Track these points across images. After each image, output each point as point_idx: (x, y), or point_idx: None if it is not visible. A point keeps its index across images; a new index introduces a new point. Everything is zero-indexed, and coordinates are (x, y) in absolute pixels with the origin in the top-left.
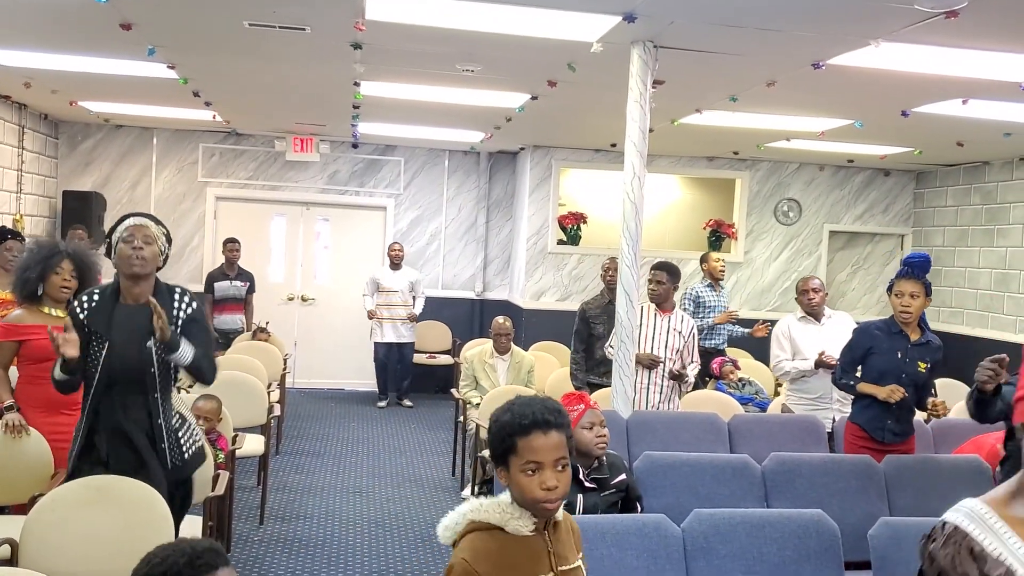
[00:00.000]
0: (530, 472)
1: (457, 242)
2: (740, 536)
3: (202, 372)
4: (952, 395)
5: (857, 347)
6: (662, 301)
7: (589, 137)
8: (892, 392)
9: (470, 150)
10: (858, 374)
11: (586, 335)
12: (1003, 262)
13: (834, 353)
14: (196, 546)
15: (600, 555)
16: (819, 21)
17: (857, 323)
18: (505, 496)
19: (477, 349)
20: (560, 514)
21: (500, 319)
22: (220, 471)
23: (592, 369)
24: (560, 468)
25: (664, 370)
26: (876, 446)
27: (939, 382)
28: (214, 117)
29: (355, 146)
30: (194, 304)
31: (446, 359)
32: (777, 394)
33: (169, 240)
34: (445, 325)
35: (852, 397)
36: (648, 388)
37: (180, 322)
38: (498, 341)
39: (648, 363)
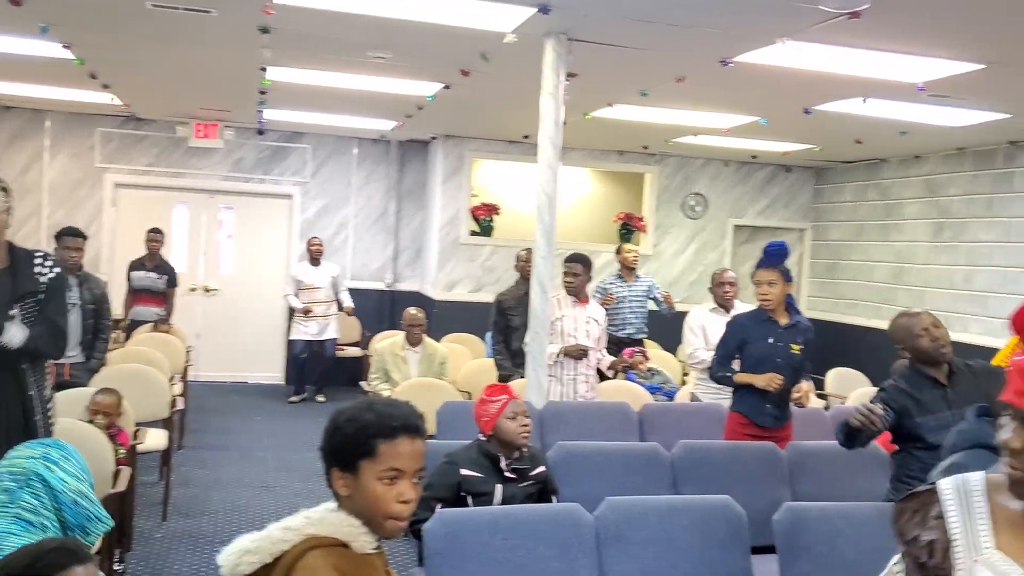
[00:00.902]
0: (388, 481)
1: (366, 232)
2: (651, 523)
3: (39, 350)
4: (848, 384)
5: (731, 340)
6: (578, 292)
7: (502, 128)
8: (770, 380)
9: (380, 138)
10: (736, 366)
11: (503, 326)
12: (898, 256)
13: None
14: (43, 546)
15: (514, 545)
16: (728, 19)
17: None
18: (331, 505)
19: (388, 341)
20: None
21: (412, 310)
22: (121, 467)
23: (514, 359)
24: (416, 480)
25: (591, 360)
26: (757, 431)
27: (836, 371)
28: (112, 100)
29: (261, 132)
30: (55, 270)
31: (355, 351)
32: (684, 383)
33: (5, 191)
34: (354, 317)
35: None
36: (576, 380)
37: (43, 288)
38: (410, 333)
39: (577, 354)
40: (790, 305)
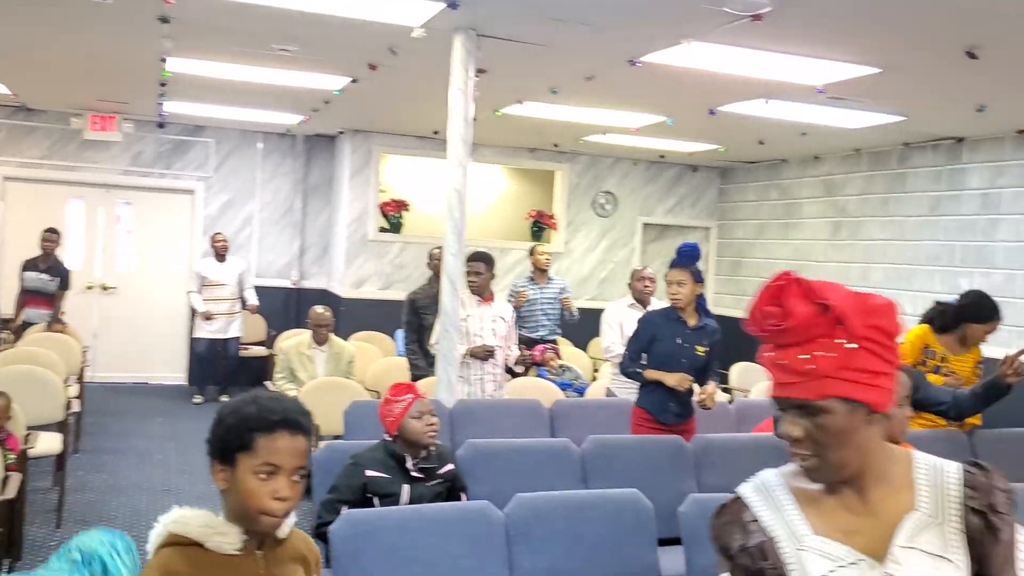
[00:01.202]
0: (263, 476)
1: (272, 228)
2: (560, 518)
3: None
4: (752, 378)
5: (642, 336)
6: (482, 291)
7: (412, 123)
8: (681, 380)
9: (286, 132)
10: (644, 361)
11: (417, 325)
12: (797, 253)
13: None
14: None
15: (424, 544)
16: (635, 19)
17: None
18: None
19: (294, 340)
20: (285, 531)
21: (319, 308)
22: (10, 473)
23: (428, 358)
24: (297, 478)
25: (499, 359)
26: (660, 427)
27: (739, 366)
28: (0, 89)
29: (161, 126)
30: None
31: (260, 350)
32: (594, 379)
33: None
34: (259, 315)
35: None
36: (483, 379)
37: None
38: (317, 331)
39: (483, 355)
40: (700, 306)
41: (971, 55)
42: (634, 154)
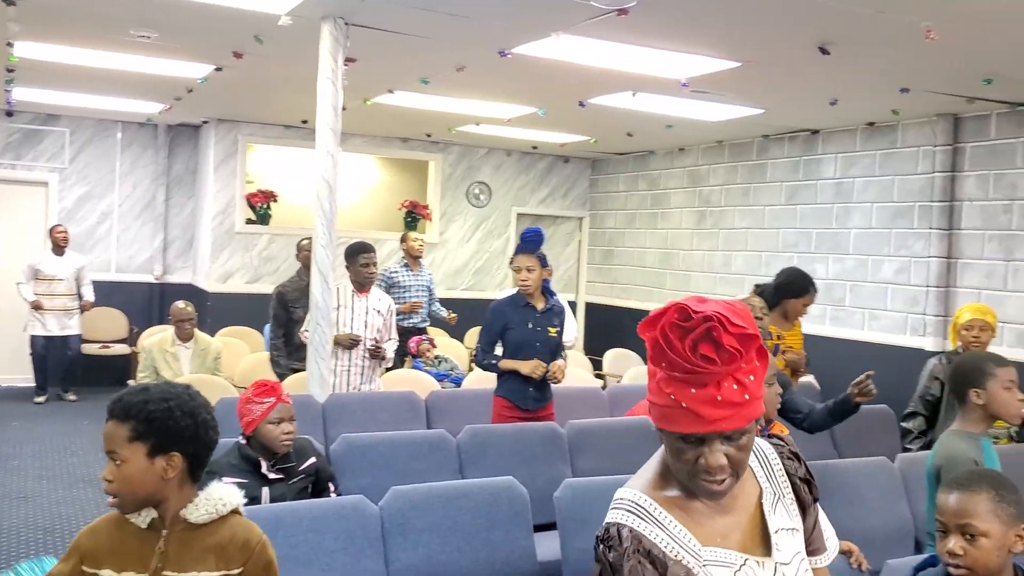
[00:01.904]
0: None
1: (133, 221)
2: (436, 509)
3: None
4: (623, 364)
5: (493, 326)
6: (371, 283)
7: (279, 112)
8: (535, 368)
9: (147, 122)
10: (499, 351)
11: (285, 319)
12: (666, 242)
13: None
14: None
15: (297, 541)
16: (505, 10)
17: (566, 302)
18: None
19: (157, 337)
20: (198, 517)
21: (180, 304)
22: None
23: (293, 354)
24: (117, 462)
25: (363, 350)
26: (521, 413)
27: (613, 352)
28: None
29: (10, 114)
30: None
31: (122, 348)
32: (471, 369)
33: None
34: (120, 312)
35: None
36: (349, 370)
37: None
38: (179, 328)
39: (348, 343)
40: (546, 289)
41: (823, 51)
42: (507, 145)
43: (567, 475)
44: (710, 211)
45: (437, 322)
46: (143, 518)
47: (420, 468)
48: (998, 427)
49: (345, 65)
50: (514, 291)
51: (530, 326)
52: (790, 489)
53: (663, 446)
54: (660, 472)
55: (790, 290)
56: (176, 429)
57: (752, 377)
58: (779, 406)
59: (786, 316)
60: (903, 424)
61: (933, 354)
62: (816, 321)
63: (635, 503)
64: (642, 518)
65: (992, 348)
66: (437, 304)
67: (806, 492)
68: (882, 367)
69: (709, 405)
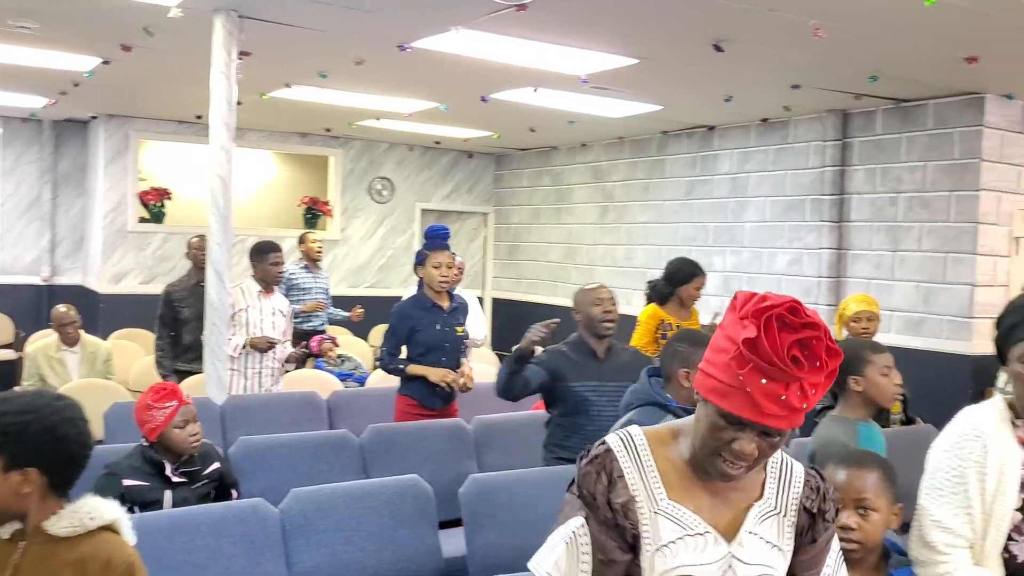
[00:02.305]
0: None
1: (16, 221)
2: (339, 509)
3: None
4: None
5: (399, 329)
6: (277, 282)
7: (172, 107)
8: (444, 376)
9: (31, 117)
10: (403, 355)
11: (171, 320)
12: (570, 237)
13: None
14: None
15: (195, 547)
16: (404, 4)
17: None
18: None
19: (41, 342)
20: (57, 531)
21: (61, 308)
22: None
23: (180, 356)
24: None
25: (275, 353)
26: (426, 412)
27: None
28: None
29: None
30: None
31: (8, 354)
32: (375, 368)
33: None
34: (4, 315)
35: None
36: (261, 373)
37: None
38: (63, 332)
39: (264, 346)
40: (449, 288)
41: (718, 48)
42: (410, 140)
43: (473, 471)
44: (612, 206)
45: (335, 324)
46: (5, 529)
47: (322, 469)
48: (894, 412)
49: (239, 58)
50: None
51: (438, 327)
52: (795, 514)
53: (694, 414)
54: (674, 431)
55: (679, 277)
56: (32, 444)
57: (815, 391)
58: None
59: (682, 304)
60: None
61: None
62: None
63: (632, 435)
64: (627, 448)
65: (880, 336)
66: (332, 308)
67: (807, 524)
68: None
69: (771, 400)
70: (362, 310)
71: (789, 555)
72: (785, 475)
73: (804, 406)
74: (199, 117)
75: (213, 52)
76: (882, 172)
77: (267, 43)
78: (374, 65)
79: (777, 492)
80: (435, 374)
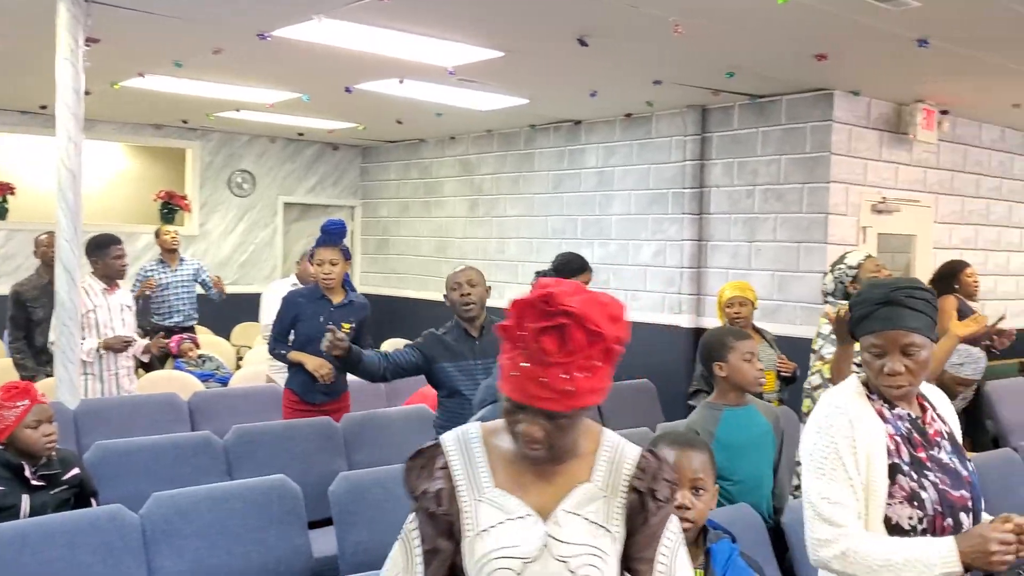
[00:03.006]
0: None
1: None
2: (203, 512)
3: None
4: None
5: (285, 317)
6: (119, 276)
7: (14, 97)
8: (319, 367)
9: None
10: (291, 342)
11: (24, 321)
12: (440, 231)
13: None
14: None
15: (49, 558)
16: None
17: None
18: None
19: None
20: None
21: None
22: None
23: (39, 357)
24: None
25: (133, 350)
26: (311, 408)
27: (390, 342)
28: None
29: None
30: None
31: None
32: (238, 367)
33: None
34: None
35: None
36: (117, 374)
37: None
38: None
39: (120, 346)
40: (346, 283)
41: (582, 43)
42: (271, 131)
43: (343, 469)
44: (483, 199)
45: (204, 317)
46: None
47: (185, 473)
48: (769, 391)
49: (87, 45)
50: (284, 281)
51: (322, 320)
52: (624, 495)
53: None
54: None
55: (569, 270)
56: None
57: (588, 373)
58: None
59: None
60: (689, 403)
61: (689, 330)
62: None
63: (465, 431)
64: (458, 442)
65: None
66: (213, 291)
67: (636, 504)
68: (643, 345)
69: (534, 383)
70: (218, 276)
71: (620, 537)
72: (616, 457)
73: (572, 388)
74: (44, 107)
75: (57, 38)
76: (739, 166)
77: (117, 29)
78: (233, 54)
79: (607, 474)
80: (311, 363)
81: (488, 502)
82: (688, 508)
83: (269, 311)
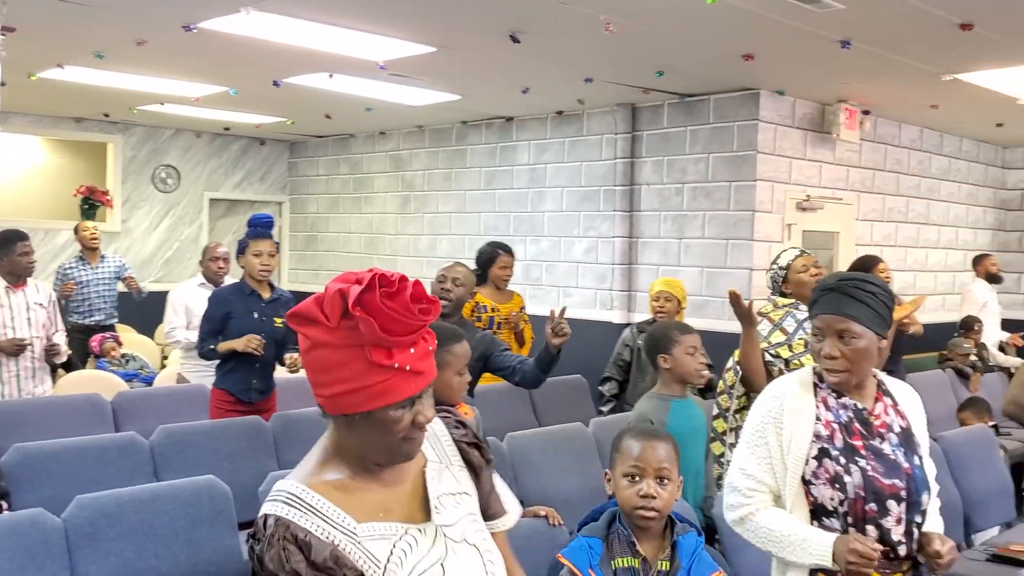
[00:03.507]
0: None
1: None
2: (129, 515)
3: None
4: None
5: (215, 314)
6: (26, 273)
7: None
8: (248, 341)
9: None
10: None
11: None
12: (371, 227)
13: None
14: None
15: None
16: None
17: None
18: None
19: None
20: None
21: None
22: None
23: None
24: None
25: (33, 351)
26: (243, 407)
27: None
28: None
29: None
30: None
31: None
32: (163, 366)
33: None
34: None
35: None
36: (19, 376)
37: None
38: None
39: (14, 350)
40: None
41: (514, 39)
42: (197, 126)
43: (273, 469)
44: (414, 195)
45: (127, 316)
46: None
47: (109, 475)
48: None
49: (2, 34)
50: (191, 282)
51: (255, 315)
52: (458, 456)
53: (329, 435)
54: (320, 460)
55: (482, 260)
56: None
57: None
58: (470, 385)
59: (496, 286)
60: (600, 387)
61: (622, 326)
62: None
63: (289, 492)
64: (292, 505)
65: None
66: (142, 289)
67: (477, 456)
68: (576, 340)
69: (425, 360)
70: (132, 277)
71: (475, 493)
72: (431, 433)
73: (431, 347)
74: None
75: None
76: (668, 163)
77: (35, 18)
78: (157, 46)
79: (433, 448)
80: (240, 342)
81: (367, 539)
82: (654, 498)
83: (176, 312)
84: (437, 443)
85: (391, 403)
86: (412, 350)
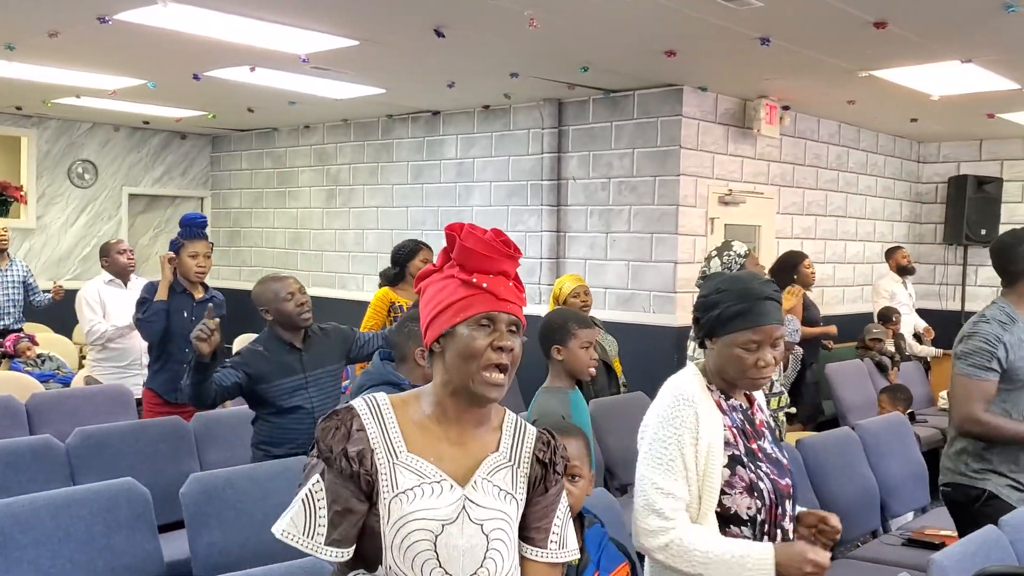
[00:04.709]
0: None
1: None
2: (43, 521)
3: None
4: None
5: (150, 297)
6: None
7: None
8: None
9: None
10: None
11: None
12: (295, 222)
13: None
14: None
15: None
16: None
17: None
18: None
19: None
20: None
21: None
22: None
23: None
24: None
25: None
26: (172, 408)
27: (240, 338)
28: None
29: None
30: None
31: None
32: (81, 367)
33: None
34: None
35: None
36: None
37: None
38: None
39: None
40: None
41: (439, 33)
42: (115, 119)
43: (195, 470)
44: (339, 190)
45: (42, 315)
46: None
47: (22, 479)
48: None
49: None
50: (96, 280)
51: (185, 315)
52: (528, 466)
53: (435, 375)
54: (416, 395)
55: (402, 256)
56: None
57: (515, 284)
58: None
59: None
60: None
61: None
62: None
63: (375, 398)
64: (370, 408)
65: (594, 311)
66: (40, 295)
67: (540, 474)
68: None
69: (505, 289)
70: (60, 285)
71: (522, 504)
72: (519, 432)
73: (523, 293)
74: None
75: None
76: (594, 158)
77: None
78: (71, 37)
79: (512, 446)
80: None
81: (403, 466)
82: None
83: (93, 308)
84: (518, 445)
85: (471, 316)
86: (491, 275)
